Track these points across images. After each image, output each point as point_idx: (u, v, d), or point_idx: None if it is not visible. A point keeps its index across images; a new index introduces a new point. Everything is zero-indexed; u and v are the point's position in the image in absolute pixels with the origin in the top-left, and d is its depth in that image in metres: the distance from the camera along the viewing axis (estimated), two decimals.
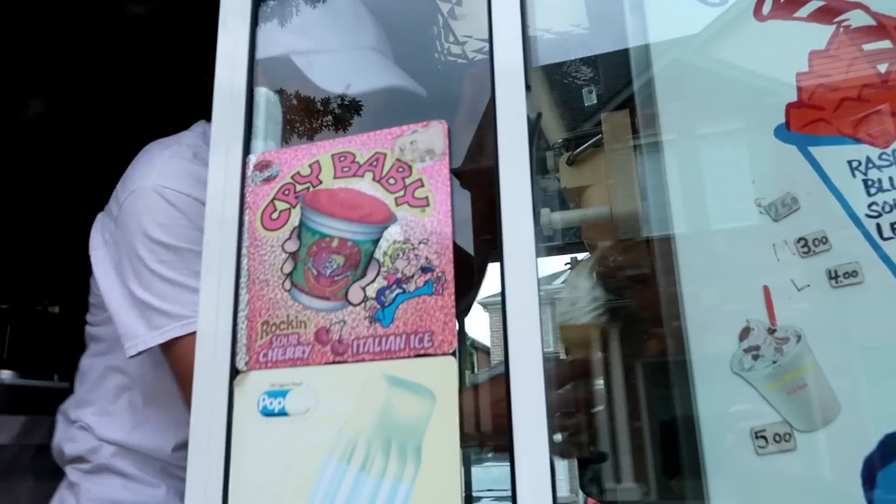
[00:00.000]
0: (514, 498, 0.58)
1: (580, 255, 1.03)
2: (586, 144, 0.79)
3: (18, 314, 2.02)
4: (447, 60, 1.11)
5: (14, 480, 1.46)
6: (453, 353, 0.64)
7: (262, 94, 0.79)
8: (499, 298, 0.62)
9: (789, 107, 0.66)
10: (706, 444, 0.63)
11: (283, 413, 0.68)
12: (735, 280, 0.65)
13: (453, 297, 0.65)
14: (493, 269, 0.72)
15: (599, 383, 0.90)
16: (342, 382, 0.67)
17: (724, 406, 0.63)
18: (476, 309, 1.31)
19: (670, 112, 0.68)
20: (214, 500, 0.67)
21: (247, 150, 0.77)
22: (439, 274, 0.66)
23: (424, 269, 0.66)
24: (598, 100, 0.84)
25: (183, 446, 0.73)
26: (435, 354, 0.64)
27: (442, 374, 0.63)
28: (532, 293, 0.62)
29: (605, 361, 0.88)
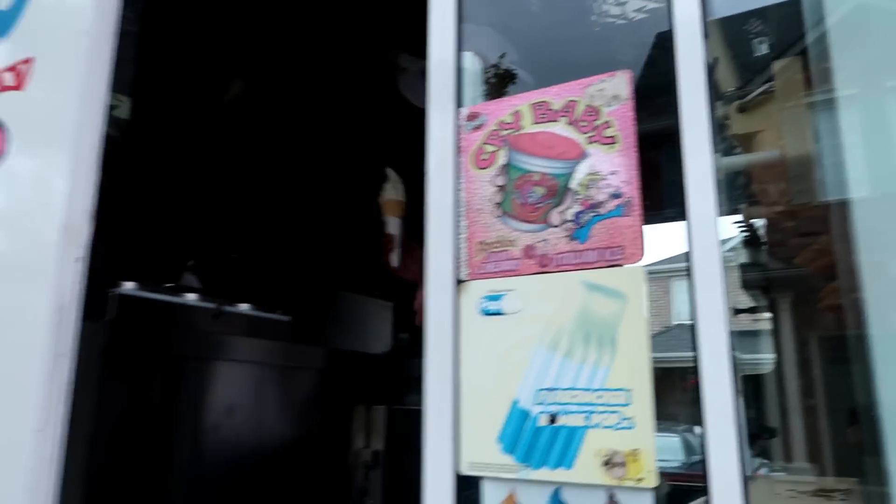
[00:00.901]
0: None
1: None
2: (759, 90, 0.88)
3: (255, 261, 2.39)
4: (610, 22, 1.21)
5: (262, 392, 1.80)
6: (641, 264, 0.78)
7: (468, 57, 0.95)
8: (659, 268, 0.73)
9: None
10: (887, 423, 0.66)
11: (499, 313, 0.85)
12: None
13: (641, 218, 0.79)
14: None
15: (769, 356, 0.94)
16: (546, 288, 0.83)
17: None
18: None
19: (850, 63, 0.72)
20: (447, 378, 0.87)
21: (458, 104, 0.93)
22: (628, 199, 0.80)
23: (614, 196, 0.81)
24: (770, 50, 0.91)
25: None
26: (625, 264, 0.78)
27: (632, 279, 0.78)
28: (714, 246, 0.73)
29: (776, 333, 0.91)
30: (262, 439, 1.85)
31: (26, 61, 1.53)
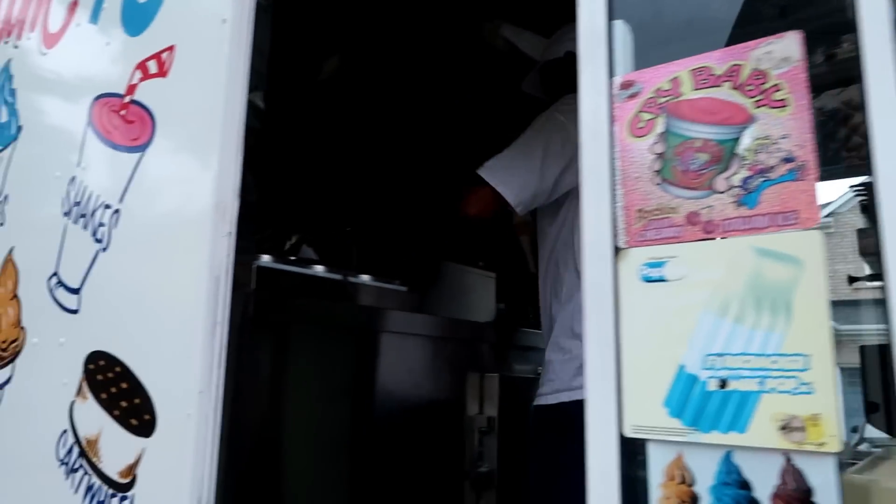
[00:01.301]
0: None
1: None
2: None
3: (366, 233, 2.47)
4: None
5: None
6: (818, 228, 0.77)
7: (618, 25, 0.95)
8: None
9: None
10: None
11: (661, 280, 0.86)
12: None
13: (816, 182, 0.77)
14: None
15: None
16: (712, 255, 0.84)
17: None
18: None
19: None
20: (608, 344, 0.89)
21: (611, 74, 0.94)
22: (801, 163, 0.79)
23: (786, 160, 0.79)
24: None
25: None
26: (801, 229, 0.78)
27: (809, 244, 0.77)
28: None
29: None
30: (386, 403, 1.93)
31: (169, 49, 1.63)
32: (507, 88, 2.39)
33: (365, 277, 1.95)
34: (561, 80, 1.96)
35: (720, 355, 0.81)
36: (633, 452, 0.87)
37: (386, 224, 2.74)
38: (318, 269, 1.81)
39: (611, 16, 0.94)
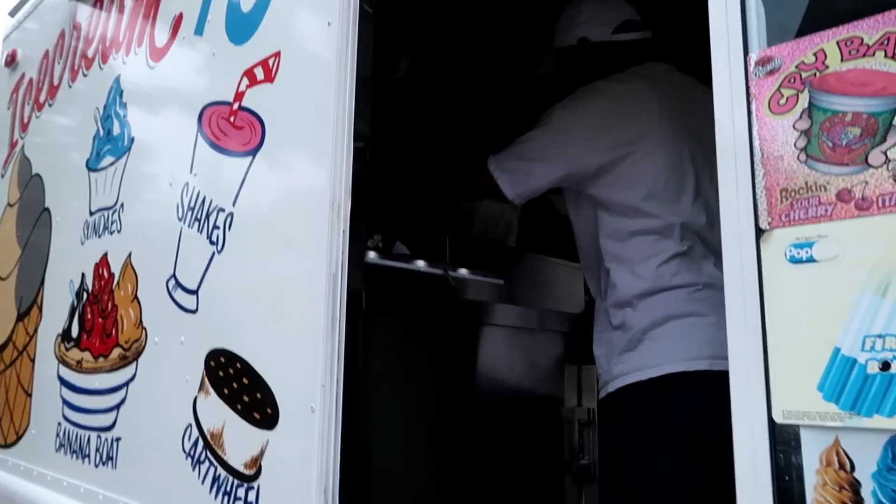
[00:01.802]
0: None
1: None
2: None
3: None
4: None
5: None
6: None
7: None
8: None
9: None
10: None
11: (811, 260, 0.83)
12: None
13: None
14: None
15: None
16: (869, 232, 0.80)
17: None
18: None
19: None
20: (753, 327, 0.86)
21: (746, 49, 0.91)
22: None
23: None
24: None
25: None
26: None
27: None
28: None
29: None
30: (488, 396, 1.94)
31: (275, 55, 1.69)
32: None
33: (463, 271, 1.97)
34: (577, 68, 1.97)
35: (881, 336, 0.78)
36: (784, 438, 0.84)
37: (470, 217, 2.77)
38: (420, 263, 1.84)
39: None
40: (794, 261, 0.85)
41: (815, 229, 0.84)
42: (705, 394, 1.65)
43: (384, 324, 1.60)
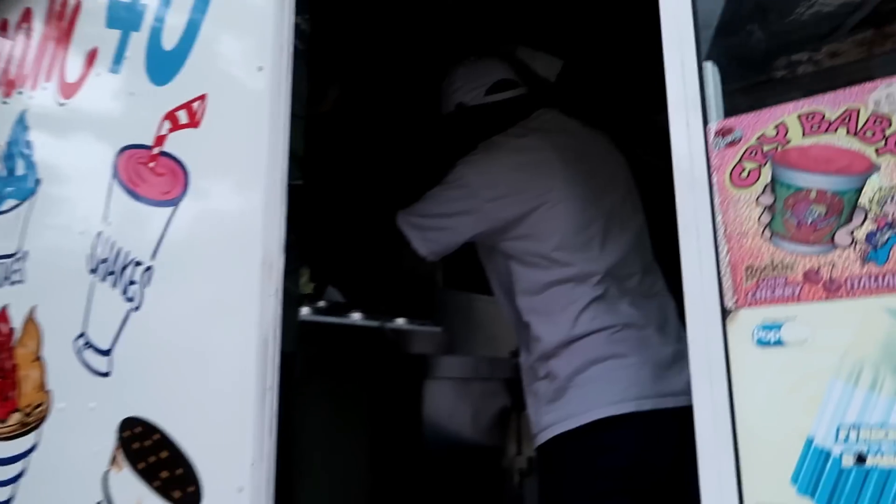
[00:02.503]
0: None
1: None
2: None
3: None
4: None
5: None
6: None
7: (709, 66, 0.89)
8: None
9: None
10: None
11: (779, 343, 0.80)
12: None
13: None
14: None
15: None
16: (838, 316, 0.77)
17: None
18: None
19: None
20: (722, 414, 0.82)
21: (705, 120, 0.88)
22: None
23: None
24: None
25: None
26: None
27: None
28: None
29: None
30: (430, 452, 1.85)
31: (200, 98, 1.58)
32: None
33: (400, 321, 1.88)
34: (463, 132, 2.04)
35: (855, 427, 0.74)
36: None
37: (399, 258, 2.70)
38: (356, 317, 1.74)
39: (700, 57, 0.88)
40: (762, 343, 0.81)
41: (783, 311, 0.80)
42: (636, 436, 1.68)
43: (319, 387, 1.49)
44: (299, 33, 1.47)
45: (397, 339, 1.77)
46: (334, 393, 1.54)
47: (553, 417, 1.73)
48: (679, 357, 1.83)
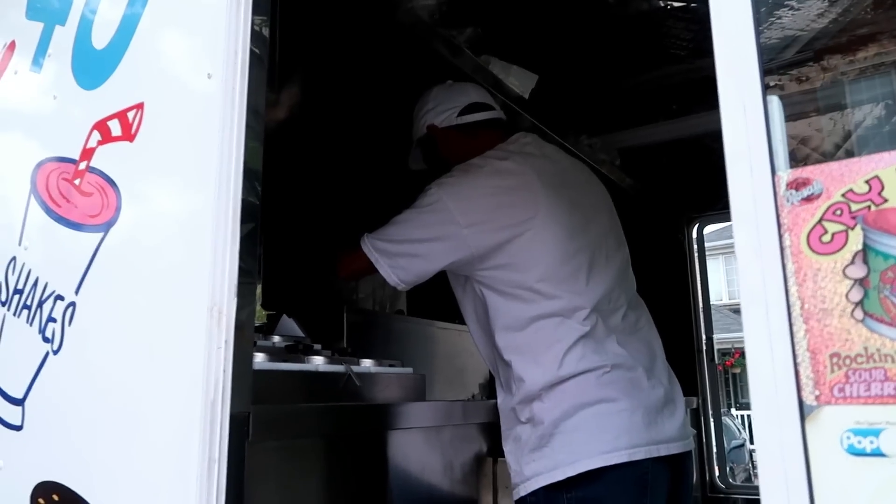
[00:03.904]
0: None
1: None
2: None
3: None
4: None
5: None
6: None
7: (775, 101, 0.73)
8: None
9: None
10: None
11: (877, 454, 0.64)
12: None
13: None
14: None
15: None
16: None
17: None
18: None
19: None
20: None
21: (773, 168, 0.71)
22: None
23: None
24: None
25: None
26: None
27: None
28: None
29: None
30: (404, 497, 1.66)
31: (136, 107, 1.34)
32: None
33: (367, 363, 1.68)
34: (435, 155, 1.94)
35: None
36: None
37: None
38: (318, 361, 1.53)
39: (766, 90, 0.72)
40: (855, 452, 0.65)
41: (883, 413, 0.64)
42: (627, 488, 1.56)
43: (275, 451, 1.27)
44: (257, 36, 1.26)
45: (363, 383, 1.56)
46: (292, 453, 1.33)
47: (537, 467, 1.57)
48: (669, 400, 1.71)
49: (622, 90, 2.86)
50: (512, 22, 2.37)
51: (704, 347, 3.46)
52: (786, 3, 0.79)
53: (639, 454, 1.54)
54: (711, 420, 3.42)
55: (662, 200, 3.50)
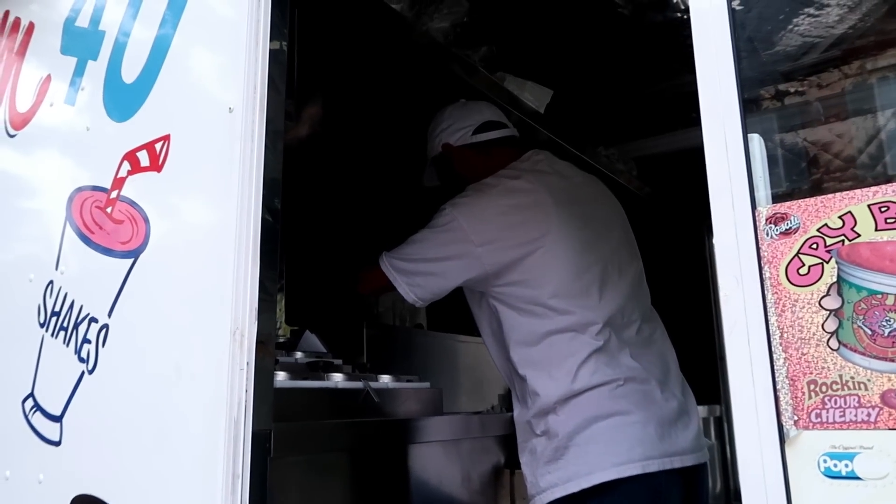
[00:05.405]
0: None
1: None
2: None
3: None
4: None
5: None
6: None
7: (755, 139, 0.77)
8: None
9: None
10: None
11: (852, 476, 0.67)
12: None
13: None
14: None
15: None
16: None
17: None
18: None
19: None
20: None
21: (753, 203, 0.75)
22: None
23: None
24: None
25: None
26: None
27: None
28: None
29: None
30: None
31: (163, 139, 1.42)
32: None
33: (385, 379, 1.74)
34: (450, 173, 1.99)
35: None
36: None
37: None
38: (337, 378, 1.59)
39: (745, 129, 0.76)
40: (831, 475, 0.68)
41: (856, 437, 0.68)
42: (641, 500, 1.58)
43: (296, 466, 1.33)
44: (275, 66, 1.32)
45: (382, 399, 1.62)
46: (313, 467, 1.39)
47: (552, 479, 1.61)
48: (683, 412, 1.73)
49: (640, 99, 2.88)
50: (526, 38, 2.42)
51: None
52: (770, 40, 0.83)
53: (652, 466, 1.57)
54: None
55: (682, 208, 3.51)
